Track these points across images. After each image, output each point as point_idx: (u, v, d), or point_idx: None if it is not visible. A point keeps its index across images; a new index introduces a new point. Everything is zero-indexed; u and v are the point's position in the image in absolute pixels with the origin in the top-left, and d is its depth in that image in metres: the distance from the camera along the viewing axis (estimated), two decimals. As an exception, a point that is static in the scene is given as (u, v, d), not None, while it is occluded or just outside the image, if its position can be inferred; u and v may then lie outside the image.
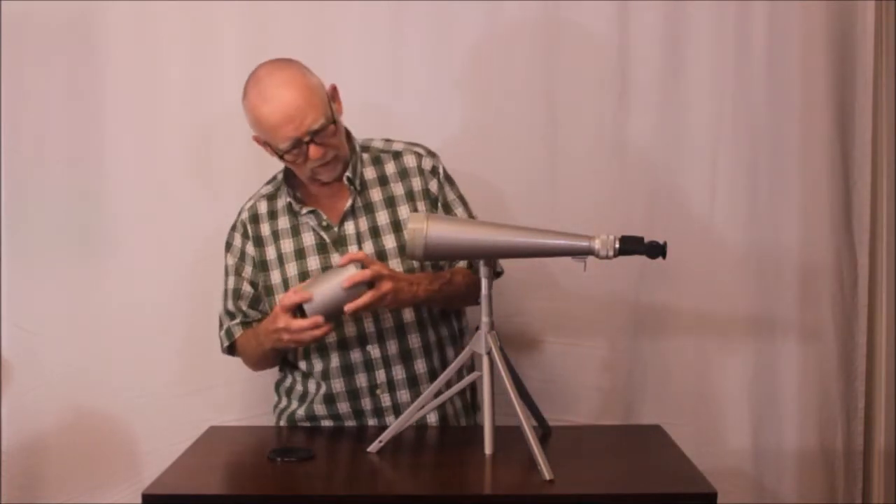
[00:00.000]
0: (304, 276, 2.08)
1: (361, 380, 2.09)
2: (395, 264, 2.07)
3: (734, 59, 2.57)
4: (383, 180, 2.14)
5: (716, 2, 2.56)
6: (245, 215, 2.17)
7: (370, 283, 1.90)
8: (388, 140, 2.20)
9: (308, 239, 2.11)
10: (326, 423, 2.13)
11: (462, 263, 2.11)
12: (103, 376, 2.58)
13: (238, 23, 2.56)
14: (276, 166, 2.19)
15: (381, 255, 2.08)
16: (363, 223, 2.11)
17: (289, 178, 2.14)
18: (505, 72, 2.58)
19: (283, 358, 2.18)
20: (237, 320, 2.15)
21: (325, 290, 1.90)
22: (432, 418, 2.11)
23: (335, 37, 2.56)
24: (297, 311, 1.92)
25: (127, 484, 2.58)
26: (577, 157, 2.59)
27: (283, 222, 2.14)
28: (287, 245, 2.12)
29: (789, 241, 2.60)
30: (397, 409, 2.06)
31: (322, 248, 2.10)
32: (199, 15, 2.56)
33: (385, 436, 1.89)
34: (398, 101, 2.57)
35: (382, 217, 2.11)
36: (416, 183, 2.13)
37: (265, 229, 2.15)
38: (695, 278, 2.59)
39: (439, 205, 2.14)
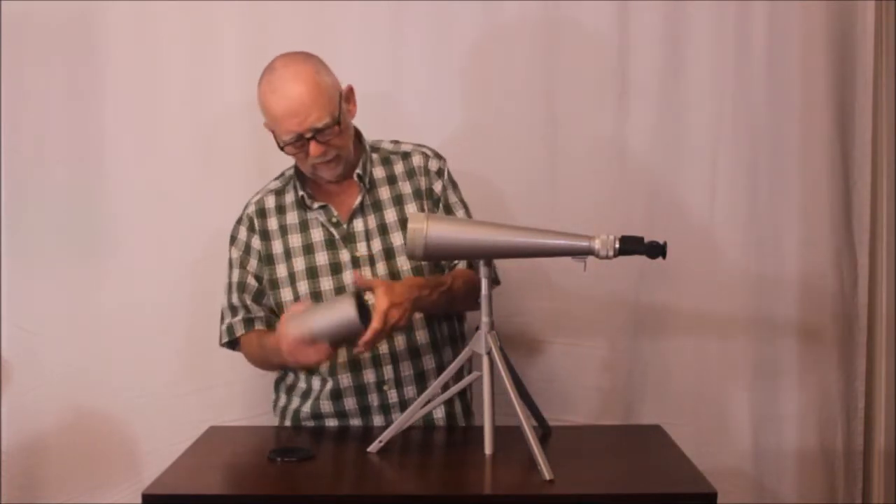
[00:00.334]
0: (311, 271, 2.09)
1: (369, 375, 2.09)
2: (403, 261, 2.08)
3: (734, 59, 2.57)
4: (392, 179, 2.15)
5: (716, 2, 2.56)
6: (251, 209, 2.17)
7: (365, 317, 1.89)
8: (396, 142, 2.21)
9: (317, 234, 2.12)
10: (332, 420, 2.13)
11: (462, 264, 2.12)
12: (103, 376, 2.58)
13: (238, 23, 2.56)
14: (277, 165, 2.19)
15: (389, 252, 2.09)
16: (372, 220, 2.11)
17: (299, 173, 2.15)
18: (505, 71, 2.58)
19: None
20: (239, 316, 2.14)
21: (323, 328, 1.88)
22: (438, 413, 2.12)
23: (335, 37, 2.55)
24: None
25: (127, 484, 2.58)
26: (577, 157, 2.59)
27: (292, 217, 2.14)
28: (295, 240, 2.12)
29: (789, 240, 2.60)
30: (404, 406, 2.06)
31: (331, 243, 2.11)
32: (199, 15, 2.56)
33: (385, 436, 1.89)
34: (398, 101, 2.57)
35: (391, 215, 2.12)
36: (423, 182, 2.14)
37: (272, 223, 2.15)
38: (695, 278, 2.59)
39: (441, 206, 2.14)
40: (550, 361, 2.61)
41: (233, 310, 2.16)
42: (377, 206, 2.12)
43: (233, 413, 2.55)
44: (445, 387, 1.91)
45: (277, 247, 2.14)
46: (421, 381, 2.09)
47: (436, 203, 2.14)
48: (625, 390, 2.63)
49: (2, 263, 2.58)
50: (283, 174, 2.20)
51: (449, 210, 2.15)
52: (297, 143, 2.01)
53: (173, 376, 2.59)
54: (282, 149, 2.04)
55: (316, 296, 2.08)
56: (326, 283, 2.09)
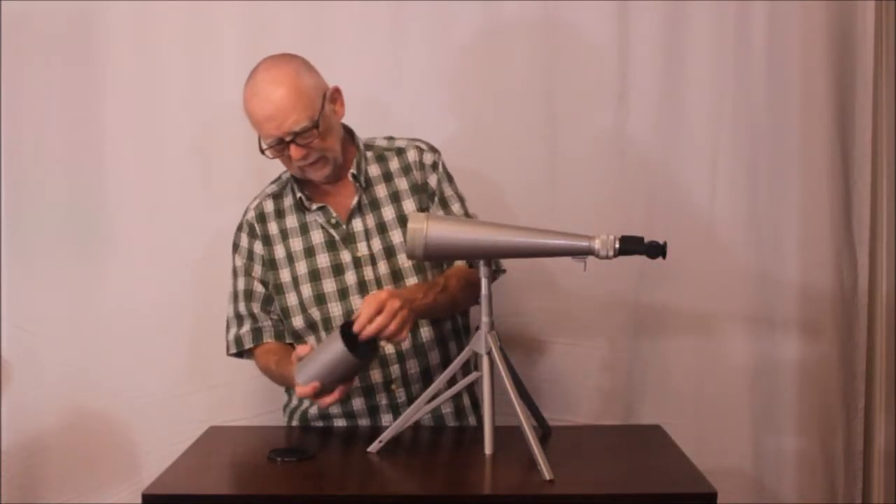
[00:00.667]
0: (314, 273, 2.09)
1: (376, 375, 2.09)
2: (404, 259, 2.08)
3: (734, 59, 2.57)
4: (388, 176, 2.14)
5: (716, 2, 2.56)
6: (251, 214, 2.17)
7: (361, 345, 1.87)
8: (391, 138, 2.20)
9: (317, 237, 2.12)
10: (340, 421, 2.13)
11: (461, 263, 2.11)
12: (103, 376, 2.58)
13: (238, 23, 2.56)
14: (276, 165, 2.19)
15: (390, 251, 2.09)
16: (370, 220, 2.11)
17: (295, 176, 2.14)
18: (505, 71, 2.58)
19: None
20: (247, 327, 2.14)
21: (325, 375, 1.86)
22: (447, 409, 2.12)
23: (335, 37, 2.56)
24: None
25: (127, 484, 2.58)
26: (577, 157, 2.59)
27: (291, 221, 2.14)
28: (296, 243, 2.12)
29: (789, 240, 2.60)
30: (412, 404, 2.06)
31: (331, 245, 2.11)
32: (199, 15, 2.56)
33: (385, 436, 1.89)
34: (398, 100, 2.57)
35: (388, 212, 2.12)
36: (418, 177, 2.14)
37: (273, 228, 2.15)
38: (695, 278, 2.59)
39: (436, 199, 2.14)
40: (550, 361, 2.61)
41: (239, 319, 2.15)
42: (374, 205, 2.12)
43: (233, 413, 2.55)
44: (448, 384, 1.91)
45: (279, 251, 2.13)
46: (427, 378, 2.09)
47: (431, 196, 2.14)
48: (625, 390, 2.63)
49: (2, 263, 2.58)
50: (279, 178, 2.20)
51: (445, 203, 2.14)
52: (278, 147, 2.01)
53: (173, 376, 2.59)
54: (262, 152, 2.04)
55: (320, 298, 2.08)
56: (329, 286, 2.09)
